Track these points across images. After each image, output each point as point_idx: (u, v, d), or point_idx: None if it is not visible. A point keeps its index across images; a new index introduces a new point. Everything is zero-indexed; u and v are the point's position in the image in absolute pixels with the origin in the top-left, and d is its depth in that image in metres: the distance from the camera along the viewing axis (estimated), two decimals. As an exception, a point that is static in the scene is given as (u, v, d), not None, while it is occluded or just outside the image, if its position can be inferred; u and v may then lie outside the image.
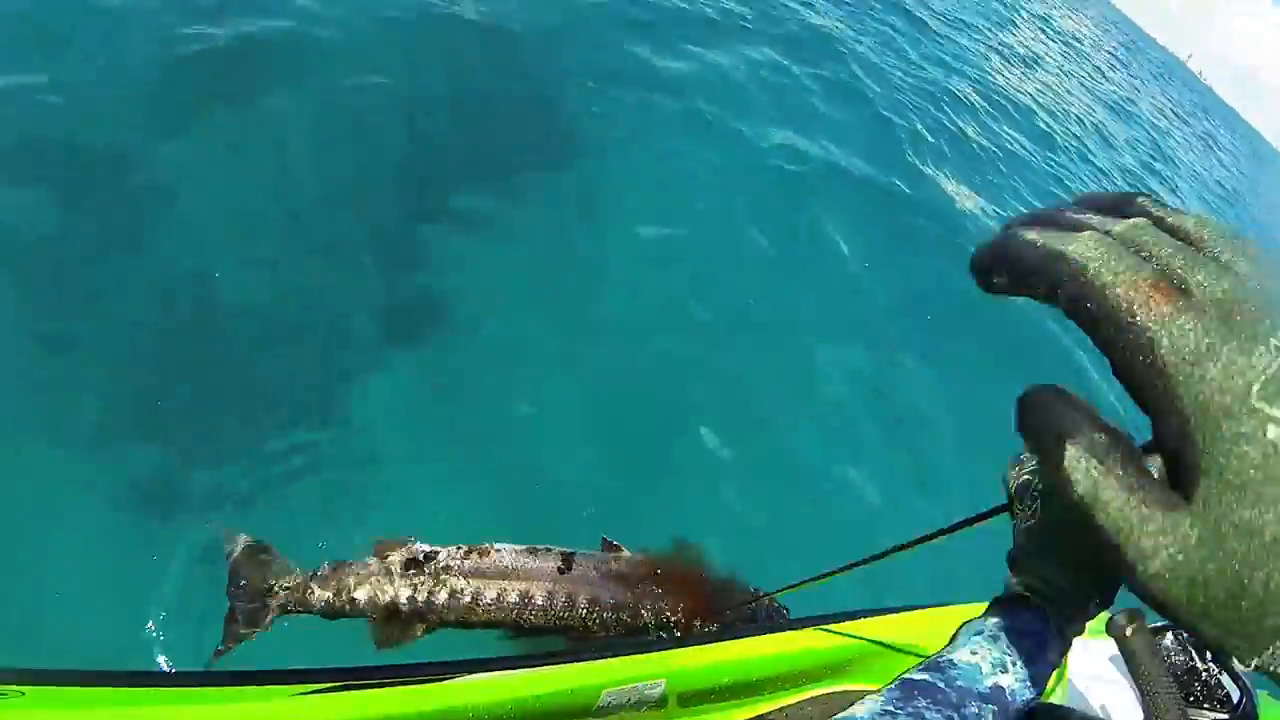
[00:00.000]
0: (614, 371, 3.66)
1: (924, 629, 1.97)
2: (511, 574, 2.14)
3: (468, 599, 2.07)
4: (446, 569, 2.11)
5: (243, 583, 2.01)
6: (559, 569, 2.15)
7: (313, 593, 2.03)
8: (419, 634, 2.09)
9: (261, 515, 2.67)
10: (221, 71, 4.11)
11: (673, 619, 2.17)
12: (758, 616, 2.24)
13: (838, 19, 9.21)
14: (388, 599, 2.05)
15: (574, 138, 4.87)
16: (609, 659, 1.72)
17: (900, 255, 5.52)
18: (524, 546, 2.22)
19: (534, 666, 1.59)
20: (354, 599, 2.04)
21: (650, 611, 2.15)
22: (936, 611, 2.04)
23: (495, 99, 4.95)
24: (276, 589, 2.02)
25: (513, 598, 2.09)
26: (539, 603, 2.09)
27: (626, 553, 2.28)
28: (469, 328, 3.59)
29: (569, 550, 2.20)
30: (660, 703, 1.72)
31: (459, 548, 2.17)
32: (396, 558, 2.16)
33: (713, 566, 2.26)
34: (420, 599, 2.06)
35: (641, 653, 1.76)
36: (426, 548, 2.17)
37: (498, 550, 2.17)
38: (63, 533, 2.50)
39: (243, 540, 2.06)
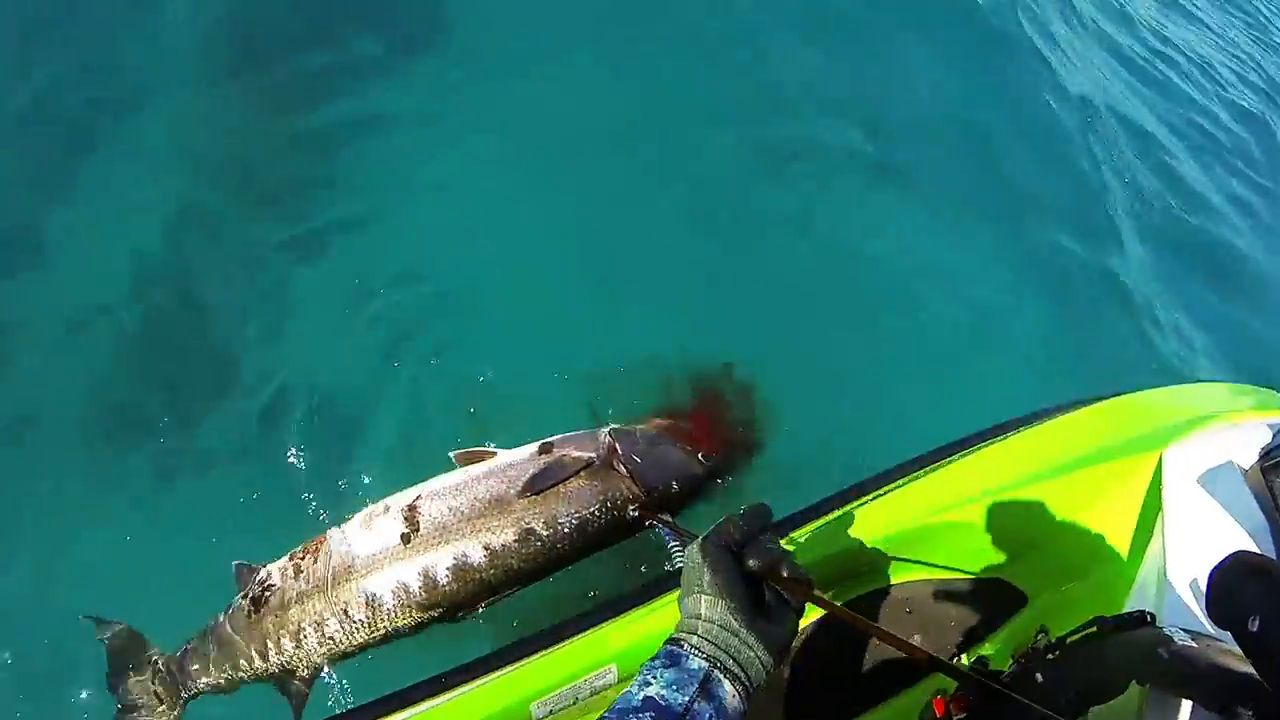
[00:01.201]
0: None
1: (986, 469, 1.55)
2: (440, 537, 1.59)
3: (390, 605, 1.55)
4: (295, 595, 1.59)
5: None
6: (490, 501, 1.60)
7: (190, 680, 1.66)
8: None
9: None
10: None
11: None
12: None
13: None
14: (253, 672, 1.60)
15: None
16: (528, 662, 1.29)
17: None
18: (443, 483, 1.68)
19: (434, 696, 1.25)
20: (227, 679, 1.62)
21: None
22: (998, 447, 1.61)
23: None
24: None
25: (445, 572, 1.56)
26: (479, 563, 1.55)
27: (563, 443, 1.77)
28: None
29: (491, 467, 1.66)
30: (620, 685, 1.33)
31: (294, 555, 1.66)
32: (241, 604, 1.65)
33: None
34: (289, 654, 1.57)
35: (568, 639, 1.31)
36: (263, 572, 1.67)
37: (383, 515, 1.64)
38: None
39: (115, 628, 1.75)
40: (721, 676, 0.88)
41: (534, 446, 1.74)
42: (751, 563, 0.96)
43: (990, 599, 1.60)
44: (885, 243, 3.54)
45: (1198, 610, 1.31)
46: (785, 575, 0.95)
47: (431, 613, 1.56)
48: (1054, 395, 1.82)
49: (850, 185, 3.76)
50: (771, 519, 1.06)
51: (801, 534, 1.44)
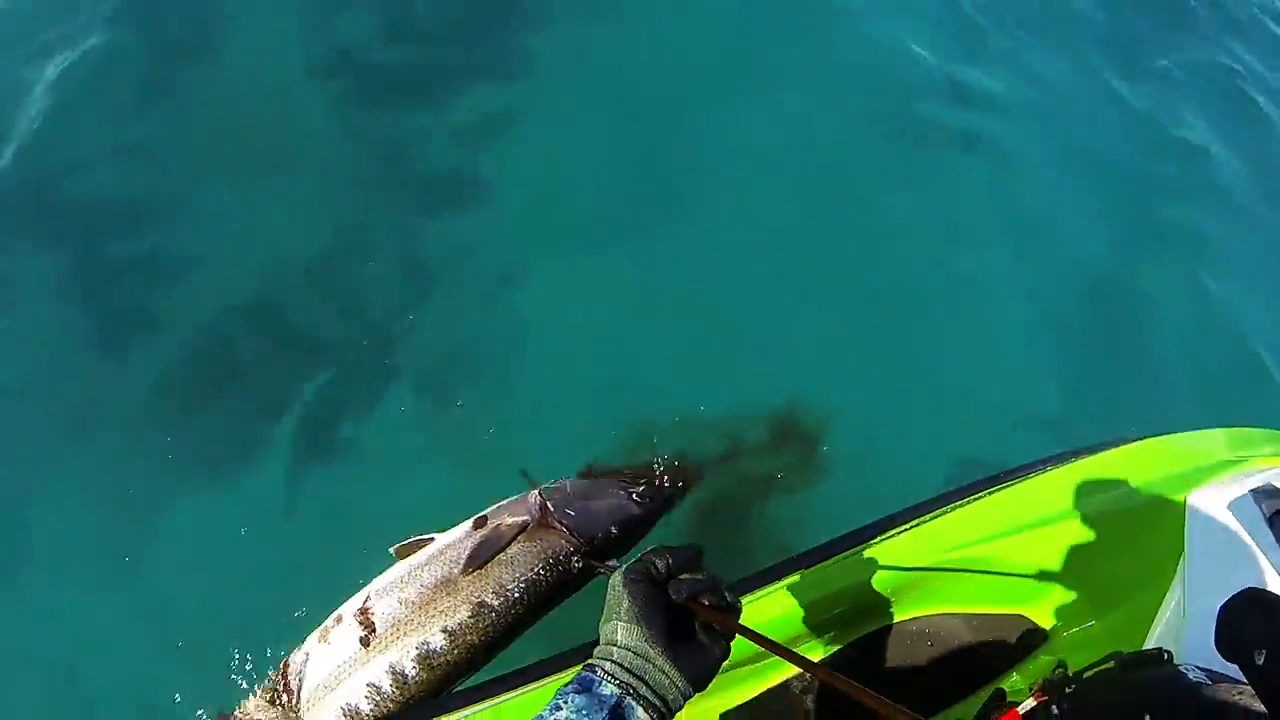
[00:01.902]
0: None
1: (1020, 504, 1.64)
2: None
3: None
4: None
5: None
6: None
7: None
8: None
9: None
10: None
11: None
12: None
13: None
14: None
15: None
16: (505, 698, 1.32)
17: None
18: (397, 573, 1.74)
19: None
20: None
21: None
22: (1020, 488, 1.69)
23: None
24: None
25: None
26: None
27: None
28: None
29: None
30: None
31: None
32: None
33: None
34: None
35: (544, 678, 1.35)
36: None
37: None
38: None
39: None
40: (634, 703, 0.90)
41: (468, 524, 1.83)
42: (673, 591, 0.98)
43: (1011, 634, 1.63)
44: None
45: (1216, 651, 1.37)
46: (707, 604, 0.97)
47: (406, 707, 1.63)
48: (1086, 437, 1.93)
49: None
50: (701, 556, 1.07)
51: (827, 565, 1.49)
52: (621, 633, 0.95)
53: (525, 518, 1.79)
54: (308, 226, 3.35)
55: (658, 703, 0.91)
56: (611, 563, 1.79)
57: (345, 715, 1.61)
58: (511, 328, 3.18)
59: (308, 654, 1.71)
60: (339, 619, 1.74)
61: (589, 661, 0.95)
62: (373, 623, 1.69)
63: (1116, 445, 1.84)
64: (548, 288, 3.24)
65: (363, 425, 2.90)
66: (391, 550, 1.82)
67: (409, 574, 1.74)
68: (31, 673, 2.42)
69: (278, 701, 1.65)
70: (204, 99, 3.76)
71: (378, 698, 1.61)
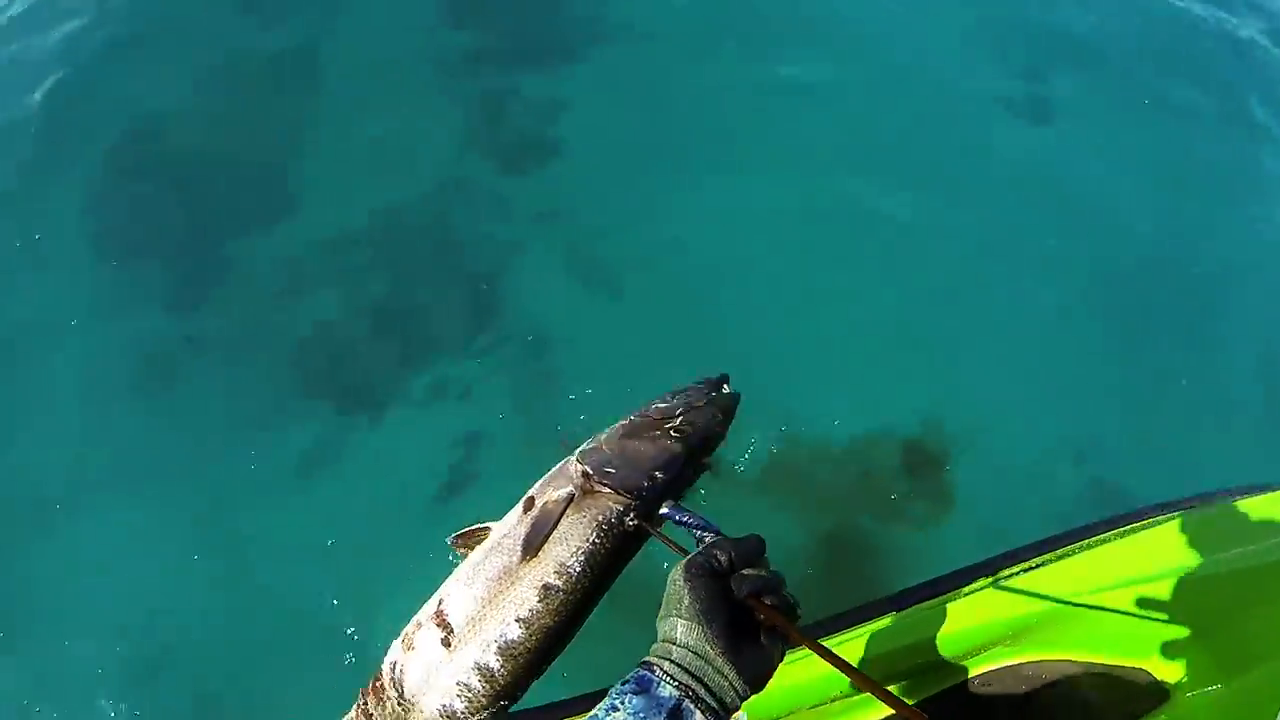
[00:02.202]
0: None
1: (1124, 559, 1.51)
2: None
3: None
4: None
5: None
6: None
7: None
8: None
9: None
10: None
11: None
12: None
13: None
14: None
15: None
16: None
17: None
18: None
19: None
20: None
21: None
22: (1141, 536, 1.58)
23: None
24: None
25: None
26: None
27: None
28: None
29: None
30: None
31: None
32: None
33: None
34: None
35: None
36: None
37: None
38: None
39: None
40: (693, 706, 0.88)
41: (519, 507, 1.79)
42: (736, 588, 0.95)
43: (1129, 689, 1.53)
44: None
45: None
46: (768, 603, 0.93)
47: (502, 701, 1.64)
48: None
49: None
50: (764, 550, 1.04)
51: (942, 601, 1.44)
52: (681, 630, 0.92)
53: (569, 489, 1.74)
54: (404, 189, 3.41)
55: (716, 706, 0.89)
56: (666, 510, 1.73)
57: (443, 717, 1.64)
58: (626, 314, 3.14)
59: (395, 662, 1.74)
60: (418, 624, 1.75)
61: (646, 659, 0.94)
62: (449, 623, 1.69)
63: (1261, 492, 1.67)
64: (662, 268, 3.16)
65: (453, 395, 2.92)
66: (448, 540, 1.81)
67: (474, 570, 1.72)
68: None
69: (372, 716, 1.70)
70: (305, 65, 4.10)
71: (469, 695, 1.63)
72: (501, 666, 1.63)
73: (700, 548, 1.04)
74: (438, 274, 3.28)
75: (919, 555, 2.61)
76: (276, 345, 3.19)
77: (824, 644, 1.00)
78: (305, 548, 2.63)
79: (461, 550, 1.79)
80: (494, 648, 1.63)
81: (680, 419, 1.95)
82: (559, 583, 1.64)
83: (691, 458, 1.89)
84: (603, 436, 1.91)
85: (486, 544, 1.75)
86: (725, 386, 1.96)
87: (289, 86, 3.96)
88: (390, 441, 2.81)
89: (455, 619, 1.69)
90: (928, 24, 4.43)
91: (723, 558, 0.98)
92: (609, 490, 1.72)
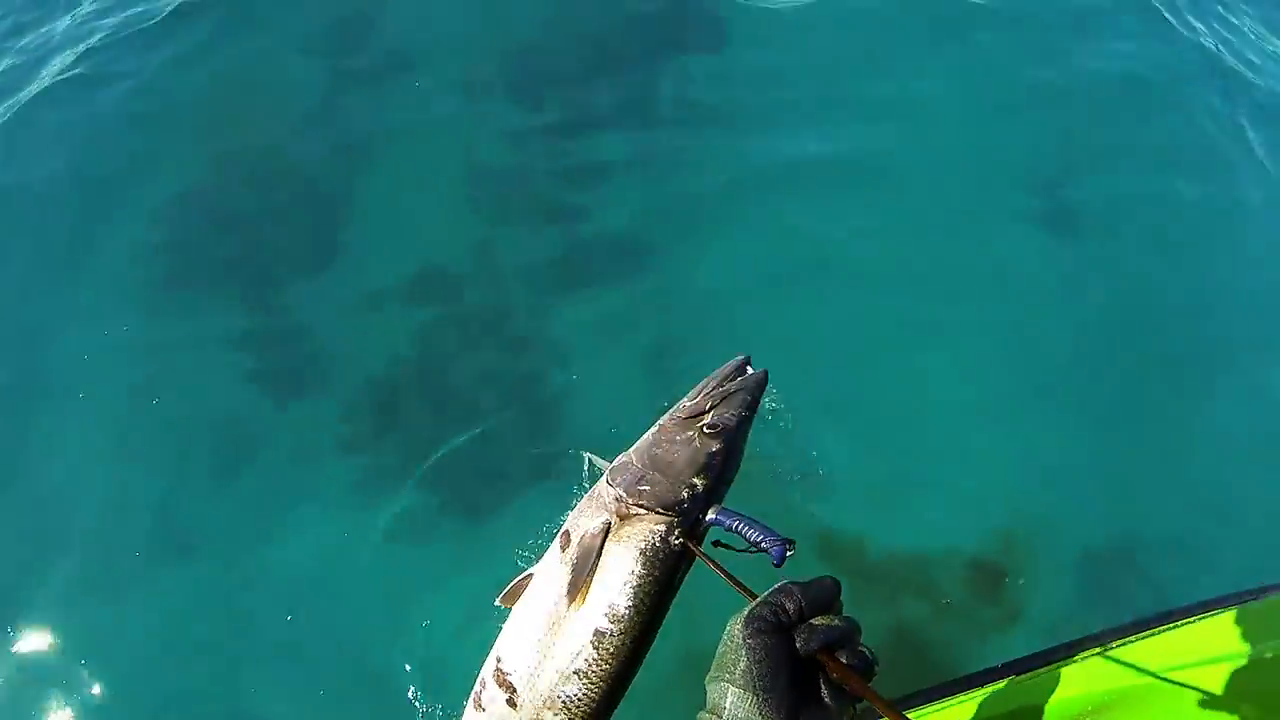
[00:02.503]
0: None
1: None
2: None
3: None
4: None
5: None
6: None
7: None
8: None
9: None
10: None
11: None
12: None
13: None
14: None
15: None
16: None
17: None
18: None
19: None
20: None
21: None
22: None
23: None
24: None
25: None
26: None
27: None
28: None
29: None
30: None
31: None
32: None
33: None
34: None
35: None
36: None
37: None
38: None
39: None
40: None
41: (556, 544, 1.65)
42: (802, 643, 0.80)
43: None
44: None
45: None
46: (841, 661, 0.79)
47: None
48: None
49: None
50: (839, 594, 0.88)
51: (1029, 678, 1.36)
52: (732, 699, 0.78)
53: (604, 517, 1.59)
54: (453, 251, 3.50)
55: None
56: (712, 517, 1.55)
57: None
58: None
59: None
60: (483, 683, 1.66)
61: None
62: (511, 683, 1.59)
63: None
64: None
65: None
66: (497, 603, 1.70)
67: (524, 624, 1.60)
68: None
69: None
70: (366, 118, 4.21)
71: (545, 754, 1.53)
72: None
73: (764, 595, 0.87)
74: (486, 338, 3.30)
75: (976, 648, 2.54)
76: (328, 398, 3.21)
77: (908, 715, 0.82)
78: (369, 608, 2.63)
79: (510, 606, 1.67)
80: (559, 704, 1.52)
81: (711, 412, 1.76)
82: (611, 627, 1.49)
83: (731, 454, 1.71)
84: (633, 449, 1.74)
85: (531, 594, 1.62)
86: (748, 369, 1.76)
87: (347, 150, 4.07)
88: (430, 496, 2.78)
89: (516, 677, 1.58)
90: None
91: (790, 607, 0.83)
92: (645, 511, 1.56)
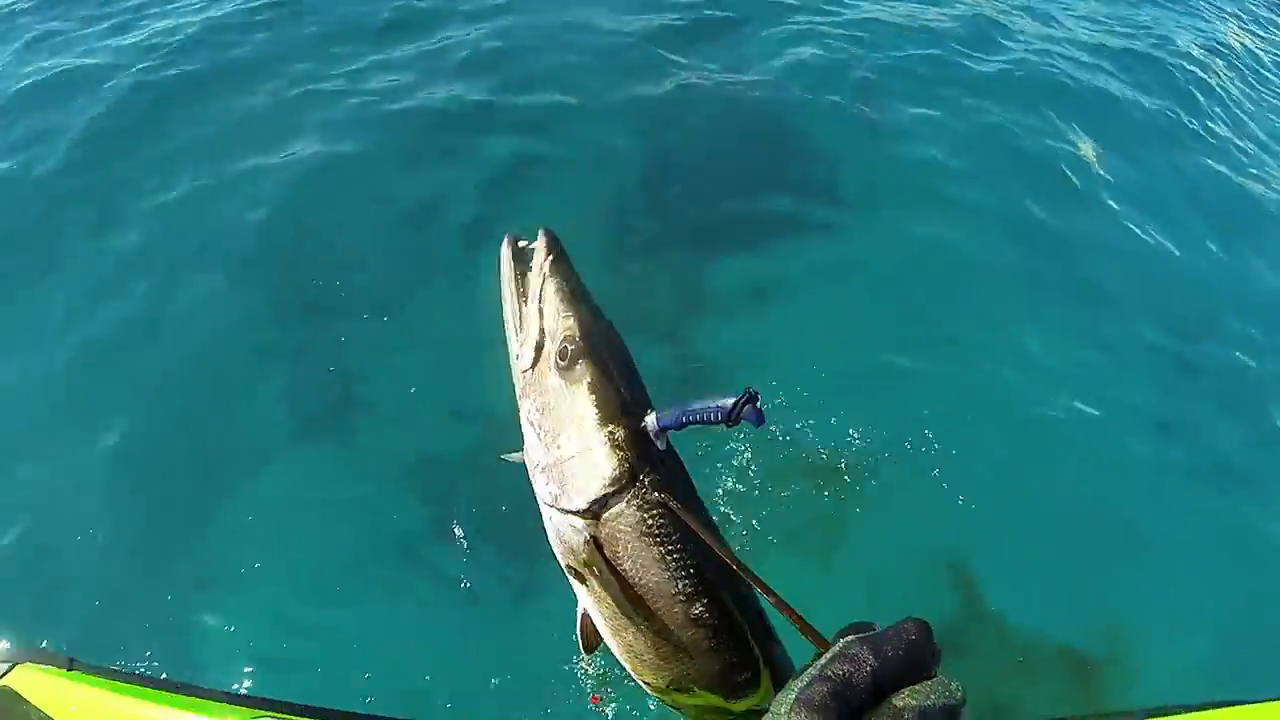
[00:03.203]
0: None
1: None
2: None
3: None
4: None
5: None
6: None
7: None
8: None
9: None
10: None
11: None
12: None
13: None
14: None
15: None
16: None
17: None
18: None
19: None
20: None
21: None
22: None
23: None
24: None
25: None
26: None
27: None
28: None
29: None
30: None
31: None
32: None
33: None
34: None
35: None
36: None
37: None
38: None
39: None
40: None
41: (574, 580, 1.41)
42: None
43: None
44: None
45: None
46: None
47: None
48: None
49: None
50: (928, 639, 0.59)
51: None
52: None
53: (582, 537, 1.31)
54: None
55: None
56: (655, 428, 1.24)
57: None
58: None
59: None
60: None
61: None
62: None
63: None
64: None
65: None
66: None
67: (627, 651, 1.44)
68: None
69: None
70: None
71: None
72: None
73: (824, 661, 0.59)
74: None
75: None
76: (388, 469, 3.43)
77: None
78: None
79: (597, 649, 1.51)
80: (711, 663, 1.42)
81: (542, 335, 1.33)
82: (692, 607, 1.32)
83: (601, 358, 1.30)
84: (526, 445, 1.38)
85: (604, 629, 1.43)
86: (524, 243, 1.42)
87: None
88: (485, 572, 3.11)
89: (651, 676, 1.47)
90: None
91: (857, 678, 0.55)
92: (599, 499, 1.27)
